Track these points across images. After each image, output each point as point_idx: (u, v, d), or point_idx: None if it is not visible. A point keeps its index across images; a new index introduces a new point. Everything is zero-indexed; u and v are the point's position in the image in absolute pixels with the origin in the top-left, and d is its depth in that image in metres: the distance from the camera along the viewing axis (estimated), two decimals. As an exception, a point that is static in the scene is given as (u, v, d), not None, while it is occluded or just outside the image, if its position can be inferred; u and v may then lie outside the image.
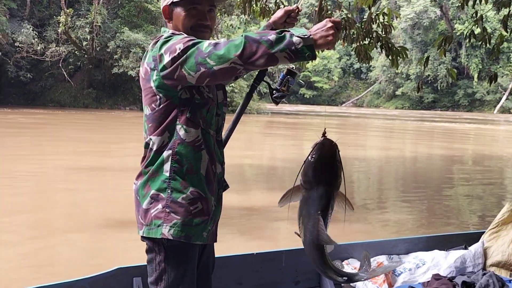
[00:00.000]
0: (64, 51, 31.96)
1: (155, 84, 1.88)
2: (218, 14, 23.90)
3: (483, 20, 5.62)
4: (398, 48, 6.08)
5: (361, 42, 6.15)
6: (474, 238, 3.81)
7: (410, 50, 51.83)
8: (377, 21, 6.00)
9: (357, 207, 7.91)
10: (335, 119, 34.37)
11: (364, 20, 6.14)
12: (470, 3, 5.79)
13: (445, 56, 5.81)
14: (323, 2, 6.23)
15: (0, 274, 4.57)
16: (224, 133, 2.18)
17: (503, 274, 3.44)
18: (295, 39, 1.66)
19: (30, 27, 31.08)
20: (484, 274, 3.27)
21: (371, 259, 3.48)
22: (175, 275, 1.92)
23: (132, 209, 2.01)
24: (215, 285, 2.22)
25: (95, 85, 33.79)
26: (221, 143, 2.09)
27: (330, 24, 1.70)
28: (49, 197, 7.97)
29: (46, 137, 16.11)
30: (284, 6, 6.85)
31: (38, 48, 31.11)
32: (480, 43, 5.80)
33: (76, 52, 32.72)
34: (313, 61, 1.82)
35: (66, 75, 32.19)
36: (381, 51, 6.16)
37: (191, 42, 1.78)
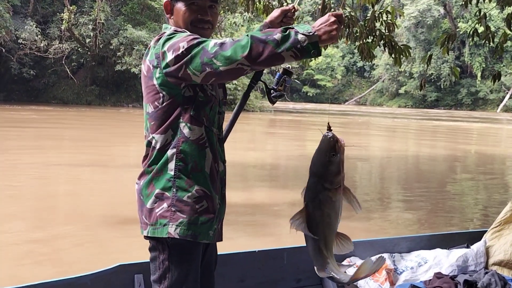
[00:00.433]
0: (67, 48, 32.04)
1: (158, 81, 1.87)
2: (222, 11, 23.92)
3: (487, 18, 5.60)
4: (401, 46, 6.06)
5: (364, 40, 6.14)
6: (476, 237, 3.80)
7: (414, 49, 51.73)
8: (381, 19, 5.98)
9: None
10: (338, 117, 34.34)
11: (367, 18, 6.12)
12: (474, 1, 5.77)
13: (448, 54, 5.78)
14: (326, 0, 6.22)
15: (1, 270, 4.59)
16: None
17: (505, 273, 3.43)
18: (300, 36, 1.64)
19: (34, 24, 31.15)
20: (486, 273, 3.26)
21: (374, 257, 3.48)
22: (179, 274, 1.91)
23: (135, 206, 2.00)
24: (218, 282, 2.22)
25: (98, 82, 33.83)
26: (222, 141, 2.08)
27: (333, 19, 1.69)
28: (51, 194, 7.99)
29: (49, 134, 16.12)
30: (288, 4, 6.85)
31: (41, 45, 31.20)
32: (483, 41, 5.78)
33: (79, 49, 32.78)
34: (317, 58, 1.81)
35: (69, 72, 32.27)
36: (384, 50, 6.15)
37: (195, 41, 1.75)
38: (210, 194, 1.94)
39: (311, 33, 1.65)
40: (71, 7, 30.24)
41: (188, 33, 1.87)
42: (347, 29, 6.14)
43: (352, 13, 6.21)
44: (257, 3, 6.54)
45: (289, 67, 2.15)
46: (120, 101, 33.45)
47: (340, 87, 68.68)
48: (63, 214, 6.82)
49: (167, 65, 1.81)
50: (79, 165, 10.33)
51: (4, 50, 30.16)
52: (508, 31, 5.65)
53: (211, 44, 1.72)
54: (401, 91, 61.29)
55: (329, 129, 1.89)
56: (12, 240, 5.52)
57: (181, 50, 1.76)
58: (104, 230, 5.95)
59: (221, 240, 2.08)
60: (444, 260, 3.48)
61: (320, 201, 1.91)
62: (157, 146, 1.91)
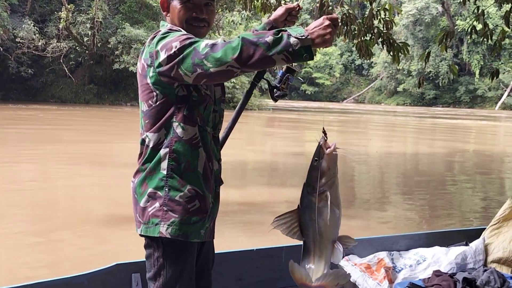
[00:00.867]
0: (65, 47, 32.01)
1: (152, 80, 1.87)
2: (220, 10, 23.90)
3: (485, 16, 5.59)
4: (400, 44, 6.05)
5: (362, 38, 6.13)
6: (475, 234, 3.80)
7: (412, 47, 51.77)
8: (379, 17, 5.98)
9: (357, 202, 7.91)
10: (336, 115, 34.36)
11: (365, 16, 6.12)
12: (472, -2, 5.76)
13: (446, 52, 5.79)
14: (324, -3, 6.21)
15: None
16: (223, 131, 2.16)
17: (504, 270, 3.43)
18: (292, 40, 1.62)
19: (31, 23, 31.10)
20: (485, 270, 3.26)
21: (372, 255, 3.47)
22: (173, 271, 1.92)
23: (132, 205, 1.99)
24: (215, 281, 2.21)
25: (96, 81, 33.81)
26: (217, 139, 2.07)
27: (327, 22, 1.66)
28: (49, 192, 7.97)
29: (47, 133, 16.11)
30: (286, 2, 6.84)
31: (39, 43, 31.15)
32: (481, 39, 5.78)
33: (77, 48, 32.75)
34: (311, 60, 1.80)
35: (67, 71, 32.22)
36: (383, 47, 6.14)
37: (188, 41, 1.74)
38: (203, 193, 1.93)
39: (304, 37, 1.63)
40: (69, 6, 30.17)
41: (183, 32, 1.87)
42: (345, 27, 6.14)
43: (350, 11, 6.20)
44: (255, 1, 6.53)
45: (292, 65, 2.11)
46: (118, 99, 33.44)
47: (338, 85, 68.74)
48: (61, 212, 6.80)
49: (160, 65, 1.80)
50: (77, 164, 10.32)
51: (1, 49, 30.08)
52: (506, 29, 5.65)
53: (203, 45, 1.70)
54: (400, 89, 61.35)
55: (325, 134, 1.91)
56: (9, 239, 5.51)
57: (173, 50, 1.75)
58: (101, 229, 5.94)
59: (213, 238, 2.08)
60: (443, 258, 3.47)
61: (305, 206, 1.93)
62: (151, 145, 1.91)
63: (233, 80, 28.50)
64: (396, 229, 6.38)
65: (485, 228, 3.80)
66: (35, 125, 18.40)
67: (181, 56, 1.73)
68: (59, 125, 19.08)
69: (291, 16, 2.29)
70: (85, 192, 8.05)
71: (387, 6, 5.87)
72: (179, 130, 1.88)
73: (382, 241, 3.64)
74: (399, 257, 3.54)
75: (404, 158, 14.85)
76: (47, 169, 9.96)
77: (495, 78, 6.06)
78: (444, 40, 5.55)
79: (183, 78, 1.76)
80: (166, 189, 1.89)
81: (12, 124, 18.51)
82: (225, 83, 2.15)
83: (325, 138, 1.92)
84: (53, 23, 32.31)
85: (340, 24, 6.19)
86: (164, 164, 1.89)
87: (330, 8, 6.28)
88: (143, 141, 1.94)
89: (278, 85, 2.15)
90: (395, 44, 6.02)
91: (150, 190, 1.91)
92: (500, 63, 52.92)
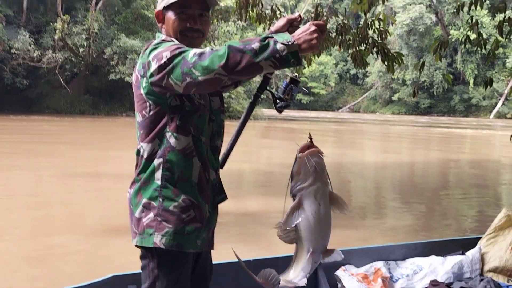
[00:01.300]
0: (61, 58, 31.98)
1: (145, 91, 1.88)
2: (215, 20, 23.96)
3: (479, 25, 5.63)
4: (394, 53, 6.09)
5: (357, 47, 6.17)
6: (471, 243, 3.80)
7: (406, 56, 51.98)
8: (373, 27, 6.02)
9: (354, 212, 7.90)
10: (332, 124, 34.41)
11: (360, 26, 6.15)
12: (466, 9, 5.80)
13: (440, 61, 5.82)
14: (318, 8, 6.25)
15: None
16: (227, 143, 2.14)
17: (501, 279, 3.43)
18: (279, 46, 1.63)
19: (27, 34, 31.11)
20: (482, 279, 3.26)
21: (369, 265, 3.47)
22: (168, 282, 1.91)
23: (127, 216, 1.99)
24: (212, 292, 2.20)
25: (92, 92, 33.79)
26: (216, 149, 2.06)
27: (313, 28, 1.68)
28: (44, 204, 7.92)
29: (42, 144, 16.05)
30: (281, 12, 6.86)
31: (35, 54, 31.13)
32: (475, 48, 5.81)
33: (72, 58, 32.73)
34: (299, 65, 1.80)
35: (62, 82, 32.18)
36: (377, 57, 6.18)
37: (177, 51, 1.75)
38: (198, 203, 1.93)
39: (290, 43, 1.64)
40: (64, 17, 30.24)
41: (174, 42, 1.88)
42: (340, 37, 6.17)
43: (345, 21, 6.24)
44: (250, 11, 6.56)
45: (295, 75, 2.12)
46: (114, 110, 33.40)
47: (333, 94, 68.97)
48: (57, 224, 6.76)
49: (151, 75, 1.81)
50: (72, 175, 10.27)
51: (-3, 60, 30.11)
52: (499, 38, 5.69)
53: (191, 54, 1.71)
54: (394, 98, 61.60)
55: (310, 139, 1.95)
56: (5, 250, 5.47)
57: (163, 59, 1.76)
58: (97, 240, 5.90)
59: (212, 248, 2.08)
60: (440, 268, 3.47)
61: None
62: (145, 155, 1.92)
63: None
64: (393, 238, 6.38)
65: (481, 237, 3.81)
66: (30, 136, 18.33)
67: (171, 65, 1.74)
68: (55, 136, 19.01)
69: (292, 27, 2.25)
70: (81, 203, 8.01)
71: (381, 16, 5.91)
72: (172, 140, 1.89)
73: (378, 250, 3.63)
74: (396, 266, 3.54)
75: (400, 167, 14.86)
76: (41, 180, 9.92)
77: (489, 87, 6.09)
78: (438, 49, 5.58)
79: (173, 88, 1.77)
80: (160, 199, 1.89)
81: (7, 135, 18.43)
82: (222, 94, 2.14)
83: (310, 143, 1.98)
84: (48, 34, 32.31)
85: (335, 34, 6.23)
86: (158, 174, 1.90)
87: (325, 18, 6.31)
88: (138, 152, 1.95)
89: (282, 96, 2.14)
90: (390, 54, 6.06)
91: (144, 200, 1.91)
92: (494, 72, 53.19)
